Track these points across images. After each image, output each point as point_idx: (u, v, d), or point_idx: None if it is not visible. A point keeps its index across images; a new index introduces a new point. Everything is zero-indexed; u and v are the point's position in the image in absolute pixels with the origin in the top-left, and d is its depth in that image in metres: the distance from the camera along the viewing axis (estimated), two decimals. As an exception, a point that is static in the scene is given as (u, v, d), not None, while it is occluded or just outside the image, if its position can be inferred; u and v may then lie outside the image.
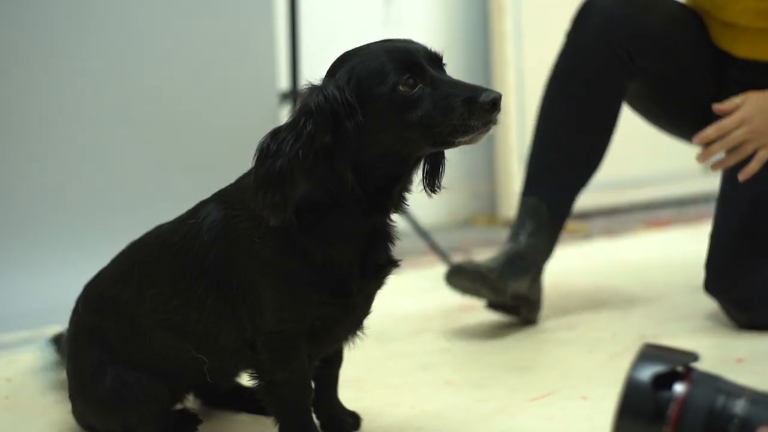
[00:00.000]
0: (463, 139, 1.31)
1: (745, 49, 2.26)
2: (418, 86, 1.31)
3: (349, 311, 1.41)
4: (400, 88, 1.30)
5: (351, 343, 1.50)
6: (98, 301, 1.52)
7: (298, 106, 1.32)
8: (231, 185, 1.45)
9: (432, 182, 1.43)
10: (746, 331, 2.11)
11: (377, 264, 1.40)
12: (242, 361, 1.44)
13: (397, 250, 1.45)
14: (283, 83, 3.20)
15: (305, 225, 1.34)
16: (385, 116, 1.31)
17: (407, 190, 1.40)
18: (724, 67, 2.28)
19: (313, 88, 1.32)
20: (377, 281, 1.43)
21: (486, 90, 1.29)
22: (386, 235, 1.41)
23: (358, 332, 1.49)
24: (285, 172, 1.28)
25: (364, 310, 1.46)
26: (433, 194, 1.44)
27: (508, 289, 2.10)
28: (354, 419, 1.58)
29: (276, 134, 1.31)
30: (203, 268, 1.40)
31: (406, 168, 1.37)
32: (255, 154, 1.31)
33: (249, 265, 1.37)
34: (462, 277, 2.12)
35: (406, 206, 1.41)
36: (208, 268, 1.40)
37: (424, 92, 1.30)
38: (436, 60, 1.35)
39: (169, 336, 1.46)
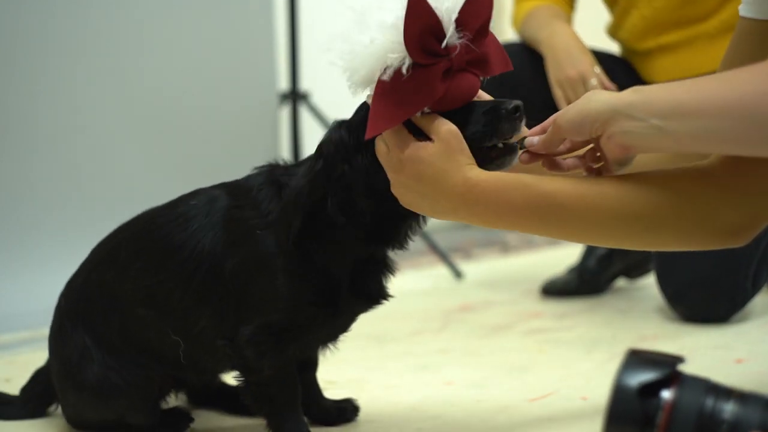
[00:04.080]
0: (490, 144, 1.30)
1: (660, 74, 2.40)
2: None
3: (333, 319, 1.42)
4: (426, 110, 1.30)
5: (323, 352, 1.51)
6: (81, 289, 1.52)
7: (318, 144, 1.37)
8: (239, 180, 1.47)
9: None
10: (746, 331, 2.11)
11: (368, 291, 1.42)
12: (221, 356, 1.43)
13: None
14: (283, 83, 3.20)
15: (312, 229, 1.36)
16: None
17: (415, 227, 1.41)
18: None
19: (333, 127, 1.36)
20: (365, 306, 1.45)
21: (506, 100, 1.29)
22: (385, 266, 1.43)
23: (331, 345, 1.50)
24: (291, 205, 1.34)
25: (344, 325, 1.47)
26: None
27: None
28: (350, 404, 1.59)
29: (297, 166, 1.40)
30: (197, 249, 1.41)
31: None
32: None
33: (247, 254, 1.38)
34: None
35: (407, 244, 1.42)
36: (202, 250, 1.41)
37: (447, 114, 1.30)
38: None
39: (150, 316, 1.45)
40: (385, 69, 1.24)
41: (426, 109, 1.27)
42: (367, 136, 1.25)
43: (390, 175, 1.30)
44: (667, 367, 1.02)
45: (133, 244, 1.49)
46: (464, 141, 1.26)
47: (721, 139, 1.08)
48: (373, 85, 1.26)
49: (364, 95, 1.31)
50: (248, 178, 1.45)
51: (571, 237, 1.27)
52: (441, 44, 1.23)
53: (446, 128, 1.26)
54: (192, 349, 1.46)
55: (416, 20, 1.21)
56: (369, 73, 1.26)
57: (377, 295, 1.44)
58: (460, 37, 1.24)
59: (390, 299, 1.45)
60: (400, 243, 1.41)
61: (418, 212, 1.32)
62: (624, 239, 1.25)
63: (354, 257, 1.39)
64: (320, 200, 1.34)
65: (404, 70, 1.22)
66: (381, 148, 1.31)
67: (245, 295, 1.39)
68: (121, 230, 1.54)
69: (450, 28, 1.23)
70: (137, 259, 1.47)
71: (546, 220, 1.23)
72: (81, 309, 1.51)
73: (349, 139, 1.33)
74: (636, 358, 1.04)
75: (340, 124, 1.36)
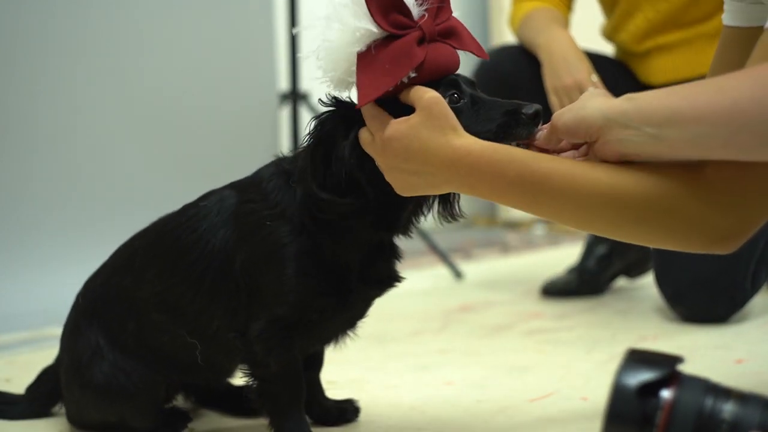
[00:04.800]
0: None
1: (657, 74, 2.39)
2: (462, 101, 1.30)
3: (345, 308, 1.42)
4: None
5: (341, 343, 1.51)
6: (99, 290, 1.53)
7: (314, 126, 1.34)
8: (246, 178, 1.47)
9: (447, 211, 1.43)
10: (745, 331, 2.12)
11: (378, 277, 1.42)
12: (236, 353, 1.44)
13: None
14: (283, 84, 3.20)
15: (320, 219, 1.36)
16: None
17: (420, 213, 1.41)
18: None
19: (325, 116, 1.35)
20: (378, 290, 1.45)
21: (526, 103, 1.29)
22: (393, 250, 1.43)
23: (350, 332, 1.50)
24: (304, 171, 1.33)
25: (360, 312, 1.48)
26: (448, 222, 1.44)
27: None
28: (351, 405, 1.60)
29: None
30: (207, 248, 1.42)
31: None
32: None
33: (257, 247, 1.38)
34: None
35: (413, 230, 1.42)
36: (212, 249, 1.41)
37: (466, 105, 1.30)
38: (471, 83, 1.35)
39: (164, 320, 1.46)
40: (361, 47, 1.26)
41: (412, 73, 1.27)
42: (359, 104, 1.26)
43: (379, 162, 1.29)
44: (667, 367, 1.03)
45: (147, 251, 1.50)
46: (448, 107, 1.25)
47: (715, 146, 1.09)
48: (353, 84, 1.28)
49: (353, 94, 1.31)
50: (257, 172, 1.45)
51: (561, 218, 1.26)
52: (407, 18, 1.27)
53: (428, 95, 1.25)
54: (209, 350, 1.46)
55: None
56: (347, 66, 1.28)
57: (389, 278, 1.44)
58: (423, 9, 1.28)
59: (402, 281, 1.45)
60: (405, 229, 1.41)
61: (415, 195, 1.31)
62: (613, 228, 1.24)
63: (364, 244, 1.39)
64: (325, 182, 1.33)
65: (372, 43, 1.25)
66: (365, 137, 1.30)
67: (255, 289, 1.39)
68: (138, 237, 1.55)
69: (411, 2, 1.27)
70: (151, 266, 1.48)
71: (538, 198, 1.22)
72: (98, 310, 1.51)
73: (337, 129, 1.33)
74: (635, 358, 1.04)
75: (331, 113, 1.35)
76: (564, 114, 1.22)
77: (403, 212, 1.38)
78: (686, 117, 1.09)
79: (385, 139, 1.26)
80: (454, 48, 1.32)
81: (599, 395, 1.68)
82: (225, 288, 1.41)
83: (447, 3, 1.32)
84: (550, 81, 2.26)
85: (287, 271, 1.37)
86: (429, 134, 1.24)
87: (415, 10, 1.28)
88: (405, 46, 1.26)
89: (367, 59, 1.26)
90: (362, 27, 1.26)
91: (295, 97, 3.08)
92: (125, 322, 1.49)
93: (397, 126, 1.26)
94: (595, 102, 1.19)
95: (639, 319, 2.32)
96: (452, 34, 1.31)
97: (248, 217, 1.40)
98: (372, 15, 1.25)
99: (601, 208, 1.20)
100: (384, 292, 1.46)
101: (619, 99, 1.17)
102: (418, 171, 1.25)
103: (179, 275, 1.44)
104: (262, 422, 1.48)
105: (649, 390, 1.01)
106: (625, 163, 1.22)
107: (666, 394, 1.01)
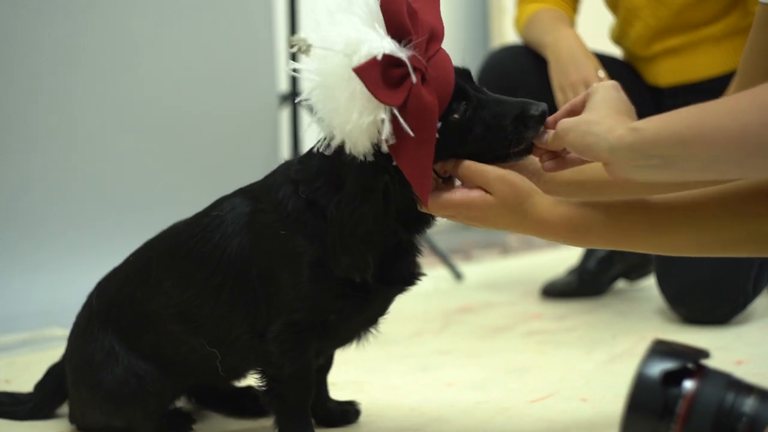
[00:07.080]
0: (515, 150, 1.31)
1: (664, 76, 2.39)
2: (468, 110, 1.29)
3: (365, 308, 1.42)
4: (455, 116, 1.29)
5: (363, 341, 1.50)
6: (114, 297, 1.52)
7: (355, 177, 1.30)
8: (257, 182, 1.46)
9: None
10: (746, 333, 2.11)
11: (400, 275, 1.42)
12: (252, 355, 1.44)
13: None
14: (283, 85, 3.20)
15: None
16: (440, 147, 1.28)
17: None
18: (660, 104, 2.41)
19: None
20: (399, 289, 1.44)
21: (533, 103, 1.29)
22: (412, 248, 1.43)
23: (372, 330, 1.49)
24: (349, 239, 1.31)
25: (381, 309, 1.47)
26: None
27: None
28: (352, 406, 1.60)
29: (339, 202, 1.32)
30: (223, 258, 1.41)
31: None
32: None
33: (273, 255, 1.38)
34: None
35: (432, 227, 1.43)
36: (228, 258, 1.40)
37: (475, 114, 1.29)
38: (468, 76, 1.33)
39: (182, 331, 1.46)
40: (379, 137, 1.23)
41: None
42: (427, 205, 1.27)
43: (475, 224, 1.34)
44: (692, 358, 1.04)
45: (161, 262, 1.49)
46: (515, 181, 1.27)
47: (728, 168, 1.10)
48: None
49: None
50: (266, 179, 1.44)
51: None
52: (398, 65, 1.22)
53: (493, 177, 1.28)
54: (226, 357, 1.46)
55: (372, 80, 1.21)
56: (371, 138, 1.25)
57: (410, 275, 1.43)
58: (409, 45, 1.23)
59: (422, 277, 1.45)
60: (427, 226, 1.40)
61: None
62: (702, 254, 1.33)
63: (381, 247, 1.37)
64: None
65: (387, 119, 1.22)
66: (445, 214, 1.33)
67: (273, 296, 1.39)
68: (151, 246, 1.53)
69: (402, 54, 1.22)
70: (167, 278, 1.47)
71: (623, 247, 1.32)
72: (113, 317, 1.51)
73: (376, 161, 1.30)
74: (661, 348, 1.05)
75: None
76: (569, 132, 1.22)
77: (433, 219, 1.39)
78: (693, 145, 1.09)
79: (470, 219, 1.32)
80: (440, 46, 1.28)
81: (599, 396, 1.68)
82: (244, 297, 1.40)
83: (413, 12, 1.25)
84: (556, 78, 2.26)
85: (303, 278, 1.36)
86: (511, 215, 1.30)
87: (397, 49, 1.22)
88: (417, 101, 1.22)
89: (396, 143, 1.23)
90: (380, 117, 1.22)
91: (294, 98, 3.08)
92: (142, 333, 1.48)
93: (478, 212, 1.30)
94: (600, 128, 1.18)
95: (639, 320, 2.32)
96: (433, 39, 1.27)
97: (262, 227, 1.39)
98: (381, 100, 1.21)
99: (687, 251, 1.31)
100: (405, 290, 1.45)
101: (625, 129, 1.15)
102: (510, 229, 1.33)
103: (197, 286, 1.43)
104: (266, 423, 1.48)
105: (673, 379, 1.02)
106: (702, 204, 1.27)
107: (689, 384, 1.02)
